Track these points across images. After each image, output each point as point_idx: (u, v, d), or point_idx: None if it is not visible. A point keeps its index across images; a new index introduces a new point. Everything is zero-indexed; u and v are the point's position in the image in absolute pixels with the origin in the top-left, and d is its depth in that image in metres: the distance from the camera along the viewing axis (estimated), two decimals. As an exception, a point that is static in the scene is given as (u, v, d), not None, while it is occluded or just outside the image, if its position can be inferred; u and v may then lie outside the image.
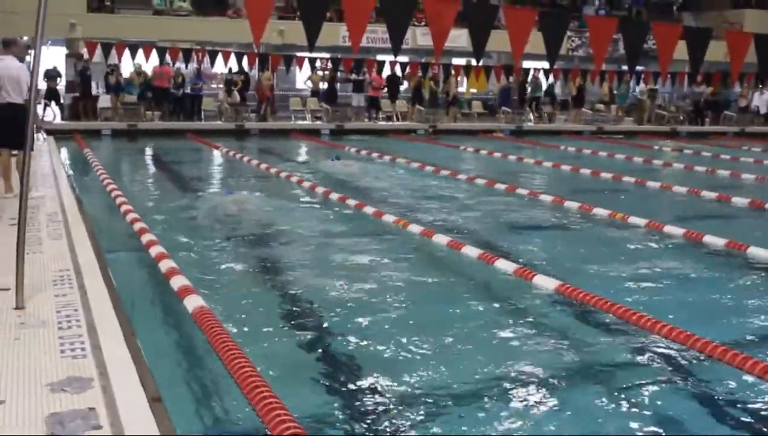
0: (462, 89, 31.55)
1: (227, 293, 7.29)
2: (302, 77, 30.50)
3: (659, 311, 6.32)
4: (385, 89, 29.90)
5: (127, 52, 26.25)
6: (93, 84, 26.41)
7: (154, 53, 26.52)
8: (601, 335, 6.35)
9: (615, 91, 32.71)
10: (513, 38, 11.19)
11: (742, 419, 4.87)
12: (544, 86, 31.72)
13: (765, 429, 4.81)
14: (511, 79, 30.58)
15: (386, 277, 7.97)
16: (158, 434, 3.66)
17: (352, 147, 21.75)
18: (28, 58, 10.98)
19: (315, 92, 28.99)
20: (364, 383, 5.27)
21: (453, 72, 29.95)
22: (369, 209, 11.20)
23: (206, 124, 26.59)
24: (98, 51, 25.87)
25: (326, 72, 29.42)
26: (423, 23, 27.12)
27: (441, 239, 9.16)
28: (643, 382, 5.39)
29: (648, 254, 9.37)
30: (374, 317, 6.67)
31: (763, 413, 4.97)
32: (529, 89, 31.27)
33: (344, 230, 10.46)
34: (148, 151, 21.72)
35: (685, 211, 12.54)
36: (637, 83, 32.38)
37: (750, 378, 5.10)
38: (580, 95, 31.39)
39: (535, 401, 5.00)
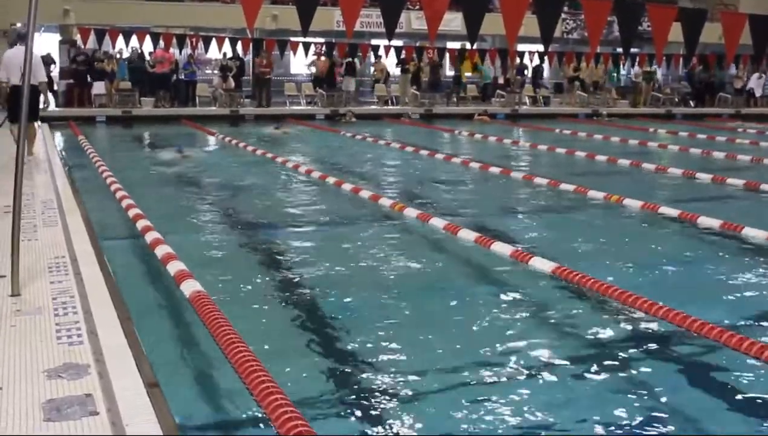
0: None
1: (224, 277, 7.28)
2: (297, 62, 30.43)
3: (655, 293, 6.32)
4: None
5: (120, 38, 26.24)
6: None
7: (147, 39, 26.48)
8: (597, 317, 6.36)
9: (614, 73, 32.74)
10: (507, 21, 11.15)
11: (738, 399, 4.88)
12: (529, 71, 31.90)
13: (761, 409, 4.81)
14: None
15: (383, 260, 7.97)
16: (155, 419, 3.66)
17: (347, 132, 21.75)
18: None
19: (317, 78, 28.94)
20: (362, 367, 5.27)
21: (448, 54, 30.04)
22: (365, 193, 11.20)
23: (201, 109, 26.57)
24: (92, 37, 25.81)
25: (321, 57, 29.38)
26: (417, 7, 27.03)
27: (437, 223, 9.15)
28: (640, 363, 5.40)
29: (643, 236, 9.38)
30: (371, 300, 6.68)
31: (759, 393, 4.98)
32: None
33: (341, 214, 10.47)
34: (143, 137, 21.67)
35: (681, 193, 12.56)
36: (632, 66, 32.36)
37: (745, 359, 5.10)
38: (575, 78, 31.41)
39: (531, 385, 5.00)
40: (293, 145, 20.02)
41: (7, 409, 3.73)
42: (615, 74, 32.57)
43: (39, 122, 18.00)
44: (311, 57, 29.28)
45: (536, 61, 31.63)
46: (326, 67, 28.75)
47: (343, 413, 4.59)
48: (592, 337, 5.94)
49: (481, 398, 4.80)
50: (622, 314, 6.25)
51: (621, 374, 5.23)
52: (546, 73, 34.20)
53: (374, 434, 4.37)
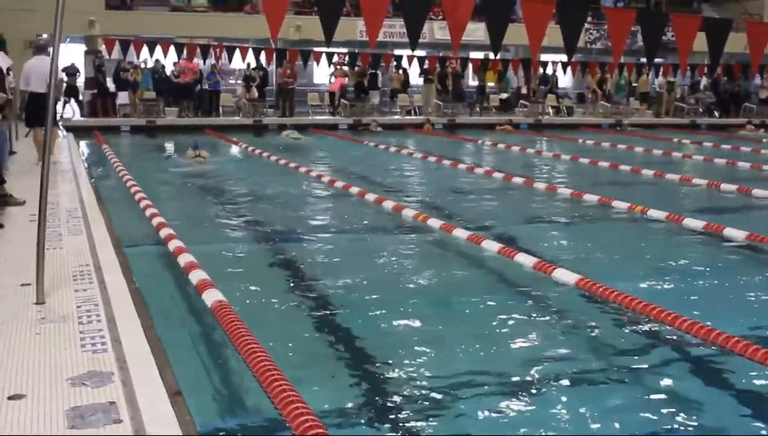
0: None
1: (247, 285, 7.30)
2: (320, 72, 30.52)
3: (679, 305, 6.28)
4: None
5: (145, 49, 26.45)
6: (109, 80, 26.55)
7: (172, 49, 26.67)
8: (621, 329, 6.31)
9: (622, 83, 32.55)
10: (530, 31, 11.12)
11: (762, 413, 4.83)
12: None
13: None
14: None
15: (406, 270, 7.97)
16: (178, 427, 3.67)
17: (370, 141, 21.78)
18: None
19: (332, 93, 29.05)
20: (382, 376, 5.26)
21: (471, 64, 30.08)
22: (389, 204, 11.19)
23: (224, 119, 26.72)
24: (116, 48, 26.03)
25: (343, 67, 29.52)
26: (440, 17, 27.04)
27: (460, 234, 9.14)
28: (663, 377, 5.36)
29: (668, 247, 9.32)
30: (393, 311, 6.66)
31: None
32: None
33: (364, 225, 10.47)
34: (167, 146, 21.81)
35: (705, 204, 12.46)
36: (656, 76, 32.19)
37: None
38: (600, 87, 31.36)
39: (554, 396, 4.97)
40: (317, 154, 20.07)
41: (32, 416, 3.76)
42: (622, 83, 32.22)
43: (63, 132, 18.42)
44: (337, 68, 29.39)
45: (553, 70, 31.52)
46: (341, 83, 28.84)
47: (363, 423, 4.58)
48: (615, 349, 5.90)
49: (502, 408, 4.78)
50: (646, 327, 6.20)
51: (645, 388, 5.19)
52: (569, 83, 34.11)
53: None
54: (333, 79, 29.41)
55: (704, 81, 33.44)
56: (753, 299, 7.22)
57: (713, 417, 4.74)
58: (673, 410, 4.79)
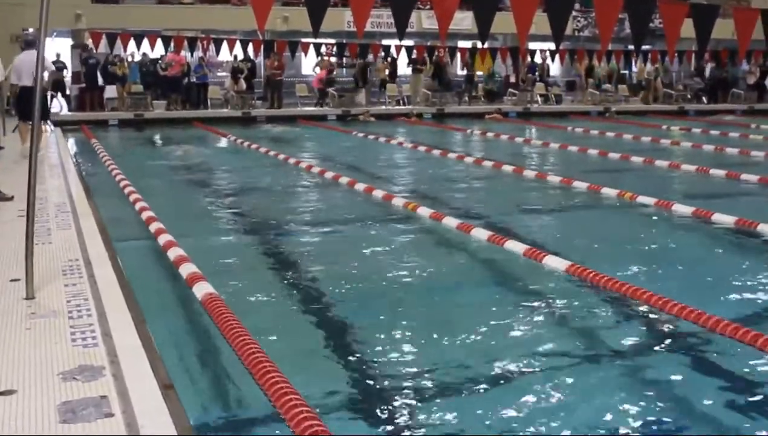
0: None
1: (238, 278, 7.29)
2: (308, 63, 30.46)
3: (669, 290, 6.29)
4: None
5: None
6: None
7: (159, 42, 26.58)
8: (611, 315, 6.34)
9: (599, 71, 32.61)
10: (518, 20, 11.12)
11: (751, 395, 4.85)
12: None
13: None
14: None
15: (396, 260, 7.95)
16: (170, 420, 3.67)
17: (359, 132, 21.76)
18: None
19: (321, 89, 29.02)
20: (376, 367, 5.26)
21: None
22: (378, 193, 11.19)
23: (213, 112, 26.63)
24: (103, 41, 25.93)
25: (330, 58, 29.50)
26: (428, 6, 27.02)
27: (450, 222, 9.14)
28: (654, 361, 5.38)
29: (657, 233, 9.34)
30: (385, 300, 6.68)
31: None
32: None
33: (354, 214, 10.47)
34: (155, 140, 21.75)
35: (694, 190, 12.49)
36: (644, 63, 32.22)
37: (761, 355, 5.07)
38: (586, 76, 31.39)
39: (545, 384, 4.97)
40: (306, 145, 20.05)
41: (23, 411, 3.75)
42: (598, 72, 32.04)
43: (51, 126, 18.41)
44: (324, 59, 29.28)
45: (542, 58, 31.51)
46: (320, 78, 28.80)
47: (356, 413, 4.58)
48: (605, 335, 5.92)
49: (494, 397, 4.79)
50: (636, 312, 6.22)
51: (636, 373, 5.21)
52: (557, 71, 34.13)
53: (387, 434, 4.36)
54: (318, 70, 29.28)
55: (708, 67, 33.18)
56: (742, 283, 7.24)
57: (703, 399, 4.75)
58: (664, 394, 4.82)
